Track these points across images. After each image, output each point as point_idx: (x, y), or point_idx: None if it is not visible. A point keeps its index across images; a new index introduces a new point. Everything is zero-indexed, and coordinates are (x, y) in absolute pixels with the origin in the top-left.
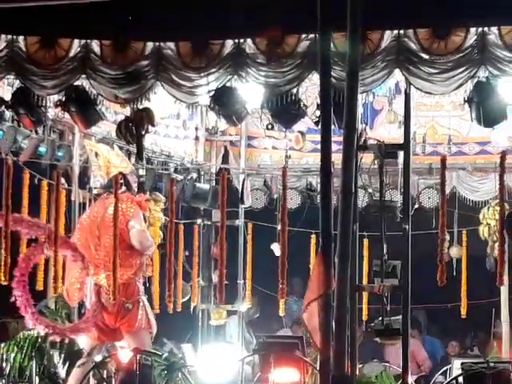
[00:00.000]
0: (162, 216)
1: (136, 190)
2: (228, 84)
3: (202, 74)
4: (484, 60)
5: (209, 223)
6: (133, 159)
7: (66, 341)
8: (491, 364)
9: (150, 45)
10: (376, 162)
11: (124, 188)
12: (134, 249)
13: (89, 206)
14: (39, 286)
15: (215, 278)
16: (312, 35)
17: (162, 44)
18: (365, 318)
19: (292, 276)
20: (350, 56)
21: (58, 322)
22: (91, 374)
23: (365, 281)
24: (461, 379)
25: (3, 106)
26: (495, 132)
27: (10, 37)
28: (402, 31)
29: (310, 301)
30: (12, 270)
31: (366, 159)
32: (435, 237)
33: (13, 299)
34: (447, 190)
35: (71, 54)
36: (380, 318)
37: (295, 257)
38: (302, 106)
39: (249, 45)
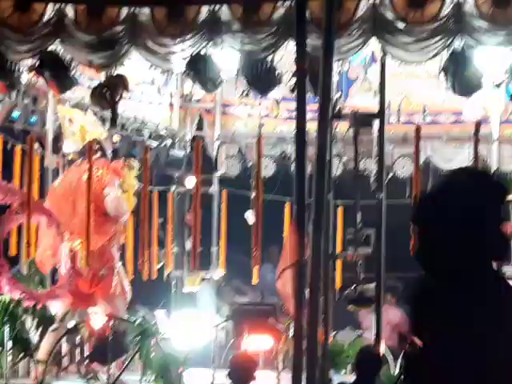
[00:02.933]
0: (135, 183)
1: (111, 156)
2: (203, 51)
3: (177, 41)
4: (460, 29)
5: (183, 190)
6: (107, 125)
7: (39, 306)
8: None
9: (124, 10)
10: (350, 130)
11: (99, 154)
12: (109, 215)
13: (62, 171)
14: (12, 252)
15: (189, 245)
16: (288, 2)
17: (136, 9)
18: (338, 285)
19: (266, 244)
20: (326, 24)
21: (30, 287)
22: (64, 339)
23: (338, 249)
24: None
25: None
26: (468, 103)
27: None
28: (377, 0)
29: (284, 268)
30: None
31: (341, 128)
32: (409, 206)
33: None
34: (421, 160)
35: (45, 18)
36: (353, 287)
37: (269, 225)
38: (277, 73)
39: (224, 11)
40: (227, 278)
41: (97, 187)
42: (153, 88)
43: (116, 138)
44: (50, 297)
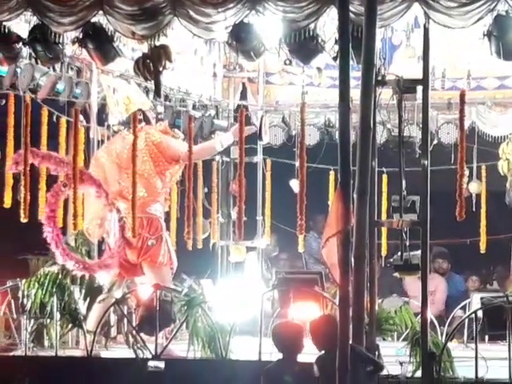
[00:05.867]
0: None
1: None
2: (246, 20)
3: (220, 10)
4: None
5: (227, 160)
6: (151, 96)
7: (86, 277)
8: (510, 298)
9: None
10: (394, 97)
11: (143, 124)
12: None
13: None
14: (59, 224)
15: (234, 214)
16: None
17: None
18: (384, 253)
19: (311, 212)
20: None
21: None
22: (112, 309)
23: (384, 216)
24: (480, 313)
25: (20, 43)
26: None
27: None
28: None
29: (329, 236)
30: (31, 208)
31: (385, 95)
32: (454, 172)
33: (44, 235)
34: (466, 125)
35: None
36: (399, 253)
37: (314, 193)
38: (319, 41)
39: None
40: (274, 248)
41: (156, 154)
42: (196, 58)
43: (159, 108)
44: (102, 267)
